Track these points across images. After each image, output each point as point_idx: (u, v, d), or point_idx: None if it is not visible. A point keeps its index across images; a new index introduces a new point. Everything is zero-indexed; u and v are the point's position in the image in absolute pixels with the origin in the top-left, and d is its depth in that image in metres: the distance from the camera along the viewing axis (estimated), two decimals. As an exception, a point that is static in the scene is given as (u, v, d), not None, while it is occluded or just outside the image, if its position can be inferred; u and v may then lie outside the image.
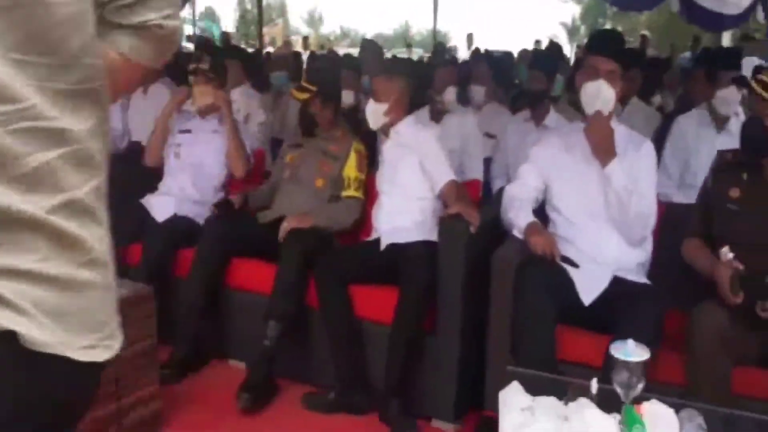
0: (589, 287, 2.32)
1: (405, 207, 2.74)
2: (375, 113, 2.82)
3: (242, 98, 4.11)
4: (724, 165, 2.30)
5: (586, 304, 2.30)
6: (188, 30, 16.06)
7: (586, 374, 2.02)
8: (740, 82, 2.93)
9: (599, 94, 2.38)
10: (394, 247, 2.65)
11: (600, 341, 2.13)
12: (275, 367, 2.68)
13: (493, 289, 2.36)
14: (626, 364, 1.41)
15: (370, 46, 5.30)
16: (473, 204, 2.52)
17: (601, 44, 2.51)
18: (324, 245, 2.80)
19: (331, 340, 2.60)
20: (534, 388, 1.64)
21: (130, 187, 3.32)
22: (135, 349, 2.30)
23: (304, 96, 3.06)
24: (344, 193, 3.00)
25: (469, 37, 14.18)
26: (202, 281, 2.83)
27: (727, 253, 2.15)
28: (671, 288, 2.37)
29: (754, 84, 2.43)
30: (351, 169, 3.01)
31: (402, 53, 15.91)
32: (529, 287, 2.22)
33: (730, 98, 3.15)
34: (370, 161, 3.63)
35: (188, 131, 3.36)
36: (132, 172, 3.41)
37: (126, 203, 3.24)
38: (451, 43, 22.21)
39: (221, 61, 3.48)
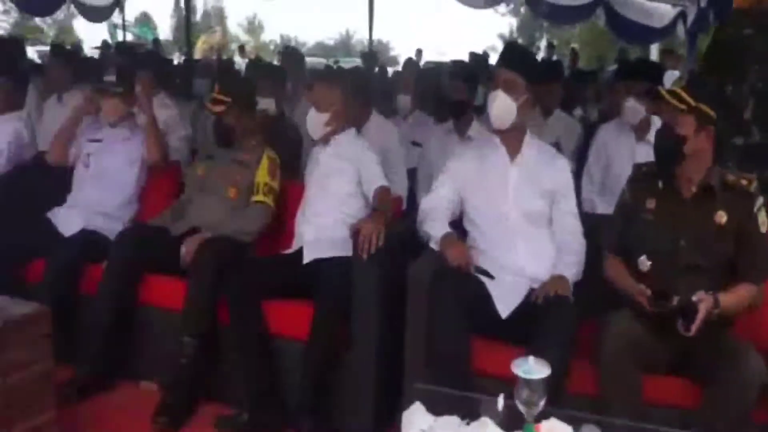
0: (505, 299, 2.31)
1: (332, 219, 2.68)
2: (316, 123, 2.79)
3: (158, 111, 3.95)
4: (641, 176, 2.33)
5: (503, 316, 2.28)
6: (119, 36, 15.63)
7: (504, 388, 2.01)
8: (653, 93, 2.99)
9: (495, 103, 2.41)
10: (312, 261, 2.59)
11: (517, 354, 2.08)
12: (193, 385, 2.59)
13: (409, 302, 2.32)
14: (527, 382, 1.38)
15: (292, 54, 5.24)
16: (382, 217, 2.46)
17: (502, 56, 2.55)
18: (238, 257, 2.71)
19: (241, 357, 2.51)
20: (442, 406, 1.60)
21: (36, 200, 3.16)
22: (28, 372, 2.14)
23: (220, 108, 2.96)
24: (253, 198, 2.92)
25: (419, 53, 14.29)
26: (111, 298, 2.70)
27: (644, 262, 2.18)
28: (587, 297, 2.37)
29: (664, 93, 2.48)
30: (262, 175, 2.94)
31: (347, 63, 15.88)
32: (442, 299, 2.19)
33: (637, 108, 3.21)
34: (293, 170, 3.57)
35: (98, 140, 3.22)
36: (38, 184, 3.24)
37: (30, 216, 3.08)
38: (392, 53, 22.33)
39: (129, 72, 3.33)
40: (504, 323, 2.28)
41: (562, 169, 2.52)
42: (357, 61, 16.34)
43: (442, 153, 3.50)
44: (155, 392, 2.72)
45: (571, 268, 2.37)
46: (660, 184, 2.24)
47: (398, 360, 2.39)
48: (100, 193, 3.13)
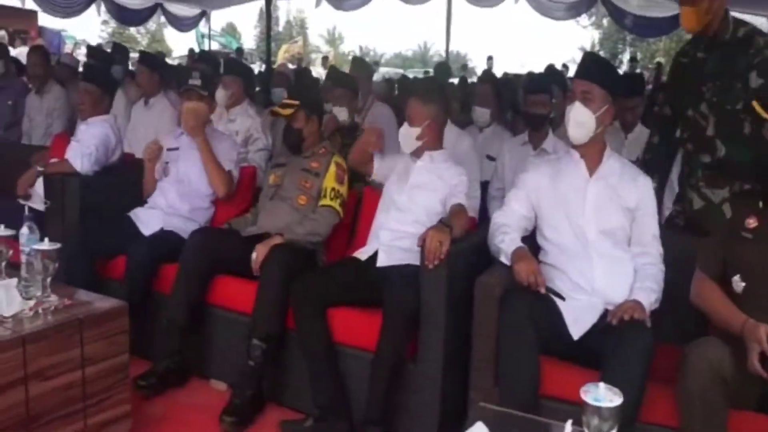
0: (578, 320, 2.22)
1: (413, 231, 2.61)
2: (407, 137, 2.77)
3: (241, 119, 4.04)
4: (742, 193, 2.21)
5: (575, 338, 2.20)
6: (206, 45, 16.22)
7: (573, 412, 1.92)
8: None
9: (572, 115, 2.33)
10: (382, 269, 2.57)
11: (588, 377, 2.00)
12: (261, 388, 2.62)
13: (476, 317, 2.26)
14: (597, 410, 1.31)
15: (361, 64, 5.26)
16: (448, 230, 2.41)
17: (580, 67, 2.46)
18: (307, 263, 2.72)
19: (308, 365, 2.52)
20: (507, 427, 1.54)
21: (120, 200, 3.28)
22: (106, 365, 2.22)
23: (287, 111, 3.01)
24: (320, 203, 2.95)
25: (490, 60, 14.16)
26: (184, 296, 2.76)
27: (738, 282, 2.05)
28: (663, 321, 2.26)
29: (760, 110, 2.34)
30: (329, 180, 2.97)
31: (419, 73, 15.92)
32: (512, 317, 2.13)
33: None
34: (365, 179, 3.57)
35: (176, 149, 3.31)
36: (123, 185, 3.37)
37: (114, 215, 3.20)
38: (470, 65, 22.22)
39: (211, 79, 3.42)
40: (575, 345, 2.19)
41: (644, 186, 2.40)
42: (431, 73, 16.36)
43: (516, 166, 3.44)
44: (224, 391, 2.77)
45: (650, 295, 2.23)
46: (761, 203, 2.11)
47: (465, 376, 2.34)
48: (178, 198, 3.23)
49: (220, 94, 3.94)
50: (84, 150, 3.43)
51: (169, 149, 3.36)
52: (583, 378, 2.05)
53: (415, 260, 2.45)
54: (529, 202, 2.49)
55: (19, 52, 9.54)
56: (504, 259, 2.35)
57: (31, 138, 5.02)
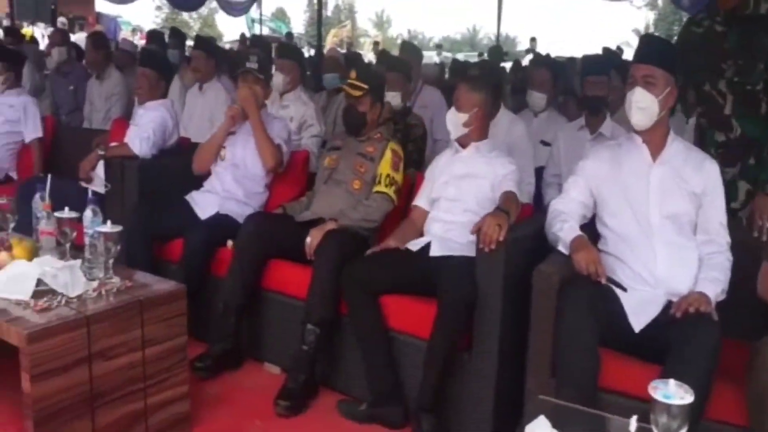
0: (640, 312, 2.15)
1: (466, 220, 2.58)
2: (455, 122, 2.74)
3: (295, 105, 4.03)
4: None
5: (636, 330, 2.13)
6: (257, 30, 16.35)
7: (632, 407, 1.87)
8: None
9: (634, 101, 2.24)
10: (435, 258, 2.54)
11: (649, 372, 1.95)
12: (315, 373, 2.63)
13: (534, 307, 2.21)
14: (666, 407, 1.26)
15: (411, 48, 5.19)
16: (504, 215, 2.35)
17: (640, 50, 2.35)
18: (361, 249, 2.71)
19: (361, 351, 2.52)
20: (567, 422, 1.50)
21: (177, 183, 3.32)
22: (166, 347, 2.26)
23: (357, 93, 2.98)
24: (375, 189, 2.93)
25: (532, 42, 13.86)
26: (239, 280, 2.79)
27: None
28: (730, 315, 2.16)
29: None
30: (385, 167, 2.95)
31: (472, 57, 15.69)
32: (571, 307, 2.07)
33: None
34: (418, 164, 3.53)
35: (232, 133, 3.33)
36: (180, 169, 3.40)
37: (171, 199, 3.25)
38: (519, 48, 21.82)
39: (267, 63, 3.43)
40: (636, 337, 2.12)
41: (711, 171, 2.29)
42: (482, 56, 16.11)
43: (572, 151, 3.36)
44: (278, 374, 2.80)
45: (716, 286, 2.14)
46: None
47: (521, 366, 2.30)
48: (233, 182, 3.25)
49: (278, 79, 3.94)
50: (142, 134, 3.49)
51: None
52: (644, 372, 2.01)
53: (469, 252, 2.42)
54: (588, 189, 2.42)
55: (78, 38, 9.78)
56: (562, 248, 2.28)
57: (92, 122, 5.15)
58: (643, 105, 2.25)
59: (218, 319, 2.83)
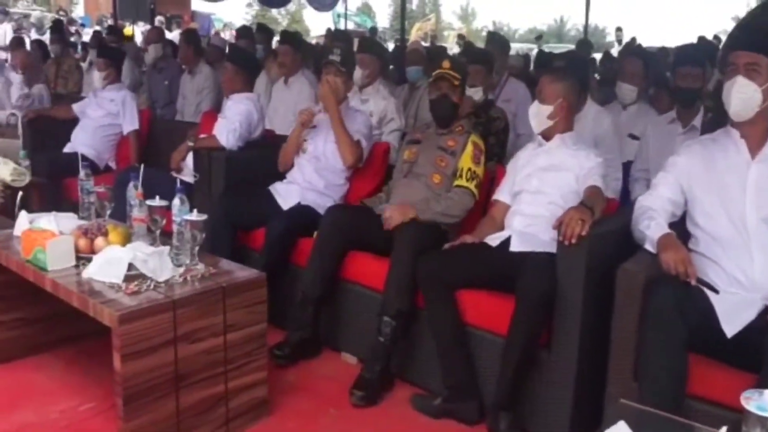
0: (733, 316, 2.01)
1: (549, 214, 2.52)
2: (538, 115, 2.67)
3: (375, 99, 4.04)
4: None
5: (728, 335, 1.99)
6: (342, 24, 16.54)
7: (721, 417, 1.76)
8: None
9: (735, 90, 2.10)
10: (515, 254, 2.48)
11: (741, 380, 1.83)
12: (390, 365, 2.63)
13: (618, 307, 2.11)
14: (761, 420, 1.17)
15: (498, 40, 5.08)
16: (588, 210, 2.26)
17: (740, 37, 2.20)
18: (439, 243, 2.69)
19: (437, 345, 2.49)
20: (649, 428, 1.42)
21: (262, 174, 3.40)
22: (246, 333, 2.32)
23: (455, 83, 2.94)
24: (456, 183, 2.88)
25: (618, 32, 13.29)
26: (319, 270, 2.82)
27: None
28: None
29: None
30: (466, 160, 2.89)
31: (558, 48, 15.26)
32: (658, 308, 1.96)
33: None
34: (500, 157, 3.46)
35: (313, 127, 3.37)
36: (265, 160, 3.48)
37: (257, 189, 3.33)
38: (608, 39, 21.03)
39: (350, 56, 3.45)
40: (728, 343, 1.98)
41: None
42: (569, 47, 15.64)
43: (661, 146, 3.21)
44: (354, 365, 2.82)
45: None
46: None
47: (601, 367, 2.21)
48: (314, 173, 3.30)
49: (357, 74, 3.97)
50: (229, 126, 3.59)
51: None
52: (735, 380, 1.88)
53: (551, 248, 2.35)
54: (678, 186, 2.29)
55: (174, 36, 10.20)
56: (649, 246, 2.17)
57: (184, 115, 5.35)
58: (744, 94, 2.10)
59: (297, 308, 2.87)
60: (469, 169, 2.88)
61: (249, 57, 4.17)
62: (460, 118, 3.05)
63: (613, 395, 2.09)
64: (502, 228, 2.71)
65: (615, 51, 9.02)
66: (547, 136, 2.70)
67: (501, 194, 2.81)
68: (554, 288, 2.24)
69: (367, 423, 2.48)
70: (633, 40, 10.73)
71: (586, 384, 2.28)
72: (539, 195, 2.63)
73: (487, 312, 2.45)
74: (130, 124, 4.48)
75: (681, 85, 3.29)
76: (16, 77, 5.16)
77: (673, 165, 2.33)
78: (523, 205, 2.67)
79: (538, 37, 19.58)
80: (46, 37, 9.03)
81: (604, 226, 2.32)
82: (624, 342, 2.09)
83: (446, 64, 2.97)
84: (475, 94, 3.61)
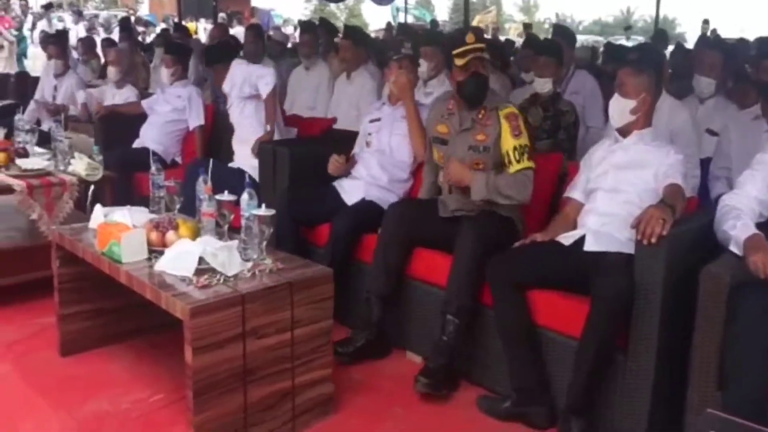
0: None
1: (626, 213, 2.44)
2: (621, 110, 2.57)
3: (439, 92, 3.99)
4: None
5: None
6: (401, 18, 16.52)
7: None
8: None
9: None
10: (590, 254, 2.41)
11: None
12: (455, 365, 2.61)
13: (700, 311, 2.03)
14: None
15: (564, 31, 4.95)
16: (668, 208, 2.17)
17: None
18: (506, 236, 2.65)
19: (505, 345, 2.46)
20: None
21: (326, 169, 3.40)
22: (313, 329, 2.34)
23: (487, 55, 2.83)
24: (510, 170, 2.71)
25: (705, 24, 12.79)
26: (383, 267, 2.81)
27: None
28: None
29: None
30: (507, 141, 2.72)
31: (620, 40, 14.87)
32: (744, 314, 1.88)
33: None
34: (570, 152, 3.37)
35: (378, 120, 3.37)
36: (329, 155, 3.49)
37: (321, 184, 3.35)
38: (678, 30, 20.30)
39: (416, 50, 3.44)
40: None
41: None
42: (637, 39, 15.18)
43: (744, 143, 3.08)
44: (420, 364, 2.79)
45: None
46: None
47: (680, 373, 2.14)
48: (378, 168, 3.30)
49: (423, 67, 3.95)
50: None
51: (371, 120, 3.44)
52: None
53: (627, 249, 2.27)
54: (767, 185, 2.19)
55: (236, 31, 10.39)
56: (734, 248, 2.08)
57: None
58: None
59: (362, 307, 2.87)
60: (515, 148, 2.70)
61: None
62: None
63: (694, 403, 2.02)
64: (574, 227, 2.64)
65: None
66: (624, 131, 2.61)
67: (574, 191, 2.73)
68: (631, 289, 2.17)
69: (433, 423, 2.46)
70: (714, 32, 10.35)
71: (664, 390, 2.20)
72: (615, 193, 2.55)
73: (559, 313, 2.39)
74: (196, 119, 4.58)
75: (763, 79, 3.14)
76: (112, 73, 5.24)
77: (761, 162, 2.24)
78: (598, 204, 2.59)
79: (627, 28, 18.95)
80: (115, 36, 9.35)
81: (684, 225, 2.24)
82: (707, 348, 2.01)
83: (471, 37, 2.80)
84: (544, 86, 3.53)
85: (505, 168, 2.74)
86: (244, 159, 3.89)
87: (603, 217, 2.53)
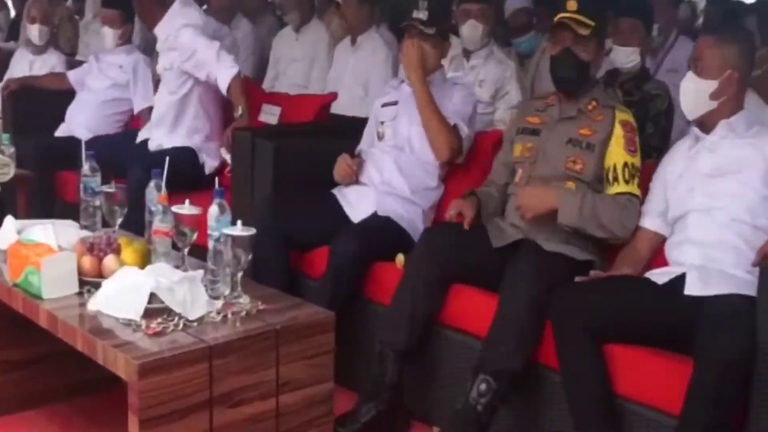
0: None
1: (729, 237, 2.45)
2: (695, 95, 2.59)
3: (487, 66, 4.03)
4: None
5: None
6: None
7: None
8: None
9: None
10: (693, 298, 2.40)
11: None
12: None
13: None
14: None
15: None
16: None
17: None
18: (574, 273, 2.64)
19: (575, 420, 2.43)
20: None
21: (323, 170, 3.38)
22: (306, 394, 2.32)
23: (584, 32, 2.84)
24: (611, 191, 2.79)
25: None
26: (407, 313, 2.79)
27: None
28: None
29: None
30: (617, 152, 2.80)
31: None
32: None
33: None
34: (660, 150, 3.36)
35: (394, 103, 3.38)
36: (328, 151, 3.46)
37: (316, 191, 3.35)
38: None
39: (443, 11, 3.42)
40: None
41: None
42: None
43: None
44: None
45: None
46: None
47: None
48: (396, 170, 3.29)
49: (468, 30, 3.97)
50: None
51: (384, 104, 3.44)
52: None
53: (746, 289, 2.27)
54: None
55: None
56: None
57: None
58: None
59: (372, 363, 2.86)
60: (625, 164, 2.78)
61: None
62: (592, 85, 2.95)
63: None
64: (646, 263, 2.66)
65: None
66: (706, 124, 2.63)
67: (645, 218, 2.75)
68: (753, 348, 2.16)
69: None
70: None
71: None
72: (713, 213, 2.55)
73: (649, 378, 2.38)
74: (144, 99, 4.60)
75: None
76: (36, 34, 5.21)
77: None
78: (691, 232, 2.59)
79: None
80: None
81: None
82: None
83: (571, 4, 2.88)
84: (628, 59, 3.53)
85: (605, 186, 2.80)
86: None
87: (705, 249, 2.52)
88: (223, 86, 3.92)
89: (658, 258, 2.72)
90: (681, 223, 2.64)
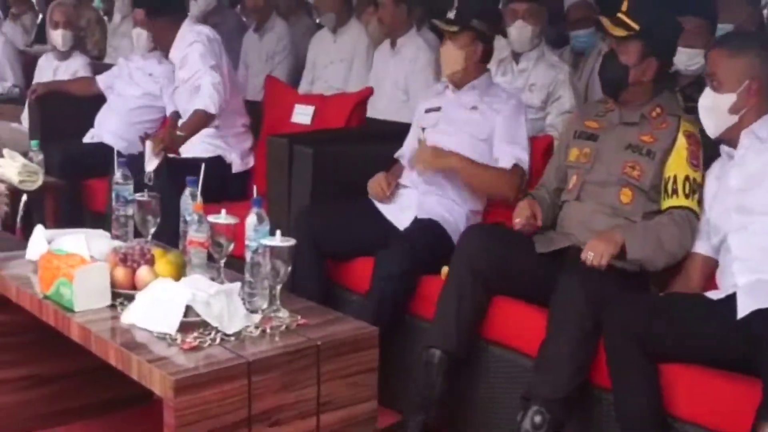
0: None
1: (762, 247, 2.46)
2: (715, 111, 2.60)
3: (538, 69, 4.02)
4: None
5: None
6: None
7: None
8: None
9: None
10: (750, 317, 2.36)
11: None
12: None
13: None
14: None
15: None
16: None
17: None
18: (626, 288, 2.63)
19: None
20: None
21: (364, 178, 3.40)
22: (349, 413, 2.32)
23: (620, 32, 2.84)
24: (668, 203, 2.77)
25: None
26: (453, 323, 2.79)
27: None
28: None
29: None
30: (678, 163, 2.78)
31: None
32: None
33: None
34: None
35: (436, 109, 3.39)
36: (367, 156, 3.51)
37: (357, 199, 3.36)
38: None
39: (471, 10, 3.39)
40: None
41: None
42: None
43: None
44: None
45: None
46: None
47: None
48: (440, 174, 3.27)
49: (517, 32, 3.94)
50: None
51: (428, 110, 3.45)
52: None
53: None
54: None
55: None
56: None
57: (248, 91, 5.44)
58: None
59: (418, 377, 2.85)
60: (687, 178, 2.76)
61: None
62: (653, 93, 2.91)
63: None
64: (699, 288, 2.66)
65: None
66: (732, 139, 2.62)
67: (697, 243, 2.73)
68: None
69: None
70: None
71: None
72: (751, 228, 2.54)
73: (709, 400, 2.35)
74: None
75: None
76: (60, 39, 5.28)
77: None
78: (734, 251, 2.56)
79: None
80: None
81: None
82: None
83: (624, 5, 2.88)
84: (691, 61, 3.51)
85: (662, 197, 2.79)
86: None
87: (749, 263, 2.50)
88: (187, 108, 4.08)
89: (710, 284, 2.70)
90: (724, 247, 2.63)
